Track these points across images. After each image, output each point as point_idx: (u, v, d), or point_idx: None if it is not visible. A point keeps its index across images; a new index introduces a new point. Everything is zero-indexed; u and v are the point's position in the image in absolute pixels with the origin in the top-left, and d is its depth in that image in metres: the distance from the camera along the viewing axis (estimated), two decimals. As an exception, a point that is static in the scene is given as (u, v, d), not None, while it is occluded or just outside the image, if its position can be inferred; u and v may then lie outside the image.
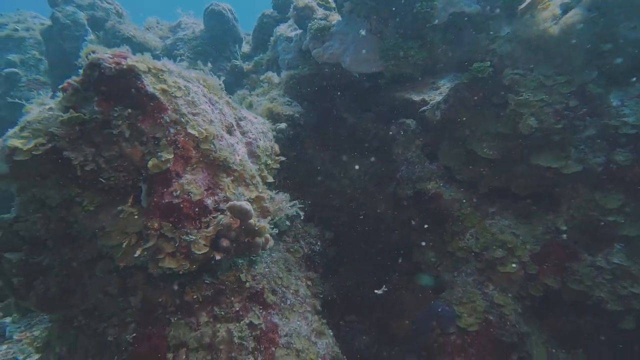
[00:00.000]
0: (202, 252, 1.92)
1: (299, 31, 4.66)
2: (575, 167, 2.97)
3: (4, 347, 4.89)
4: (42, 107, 1.95)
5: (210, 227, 1.95)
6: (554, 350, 3.22)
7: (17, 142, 1.86)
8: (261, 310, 2.69)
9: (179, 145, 1.97)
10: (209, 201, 2.00)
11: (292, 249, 3.35)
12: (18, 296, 2.35)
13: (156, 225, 1.91)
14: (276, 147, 2.85)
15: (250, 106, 3.86)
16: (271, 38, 5.13)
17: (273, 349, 2.60)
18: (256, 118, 2.83)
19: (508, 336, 2.95)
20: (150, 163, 1.90)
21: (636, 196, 2.87)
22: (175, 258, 1.92)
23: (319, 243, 3.96)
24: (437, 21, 3.41)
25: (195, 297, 2.47)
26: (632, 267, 2.81)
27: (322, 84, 4.46)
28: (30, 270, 2.34)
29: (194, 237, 1.91)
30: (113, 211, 2.03)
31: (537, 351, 3.04)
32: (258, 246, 2.12)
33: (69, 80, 1.94)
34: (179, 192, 1.92)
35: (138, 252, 2.01)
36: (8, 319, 5.36)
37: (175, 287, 2.37)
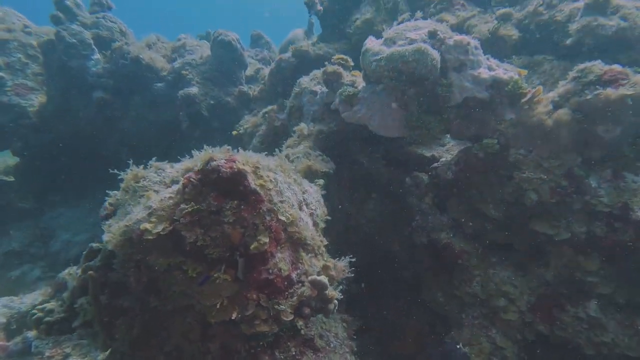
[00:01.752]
0: (289, 318, 2.55)
1: (324, 88, 5.37)
2: (564, 235, 3.82)
3: None
4: (168, 195, 2.55)
5: (295, 298, 2.59)
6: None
7: (148, 226, 2.45)
8: (312, 354, 3.32)
9: (272, 230, 2.61)
10: (294, 275, 2.64)
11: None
12: (108, 334, 2.89)
13: (255, 296, 2.53)
14: (325, 210, 3.52)
15: (287, 158, 4.50)
16: (295, 89, 5.82)
17: (323, 387, 3.24)
18: (311, 187, 3.48)
19: (509, 374, 3.73)
20: (252, 245, 2.52)
21: (610, 261, 3.74)
22: (267, 323, 2.55)
23: (343, 282, 4.63)
24: (453, 103, 4.21)
25: (261, 342, 3.09)
26: (602, 319, 3.67)
27: (347, 138, 5.21)
28: (112, 311, 2.90)
29: (284, 307, 2.54)
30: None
31: (531, 385, 3.84)
32: (329, 312, 2.77)
33: (190, 178, 2.54)
34: (274, 269, 2.55)
35: (234, 315, 2.62)
36: (31, 334, 5.76)
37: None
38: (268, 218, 2.60)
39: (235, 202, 2.56)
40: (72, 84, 8.89)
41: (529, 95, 3.99)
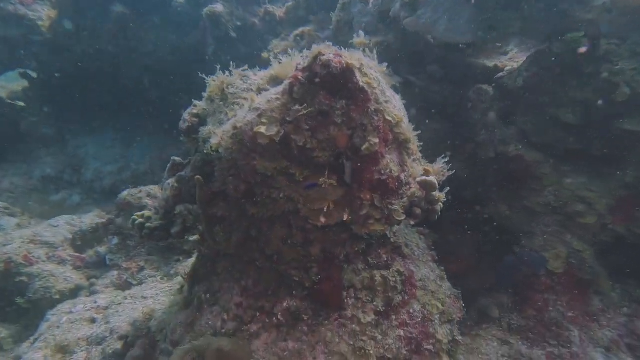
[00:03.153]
0: (401, 218, 2.64)
1: (378, -5, 5.04)
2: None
3: (115, 272, 5.96)
4: (274, 96, 2.52)
5: (405, 198, 2.66)
6: (611, 283, 4.30)
7: (262, 129, 2.45)
8: (402, 260, 3.51)
9: (380, 131, 2.60)
10: (402, 176, 2.68)
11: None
12: (214, 241, 3.09)
13: (368, 197, 2.60)
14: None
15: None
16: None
17: (414, 290, 3.46)
18: (394, 94, 3.42)
19: (587, 275, 3.95)
20: (364, 146, 2.53)
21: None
22: (380, 223, 2.65)
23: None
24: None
25: (356, 249, 3.26)
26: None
27: (408, 51, 4.99)
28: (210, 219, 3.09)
29: (396, 207, 2.62)
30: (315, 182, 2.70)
31: (605, 284, 4.08)
32: (436, 212, 2.87)
33: (297, 76, 2.48)
34: (385, 170, 2.58)
35: (345, 217, 2.72)
36: (102, 249, 6.34)
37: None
38: (376, 118, 2.58)
39: (344, 101, 2.52)
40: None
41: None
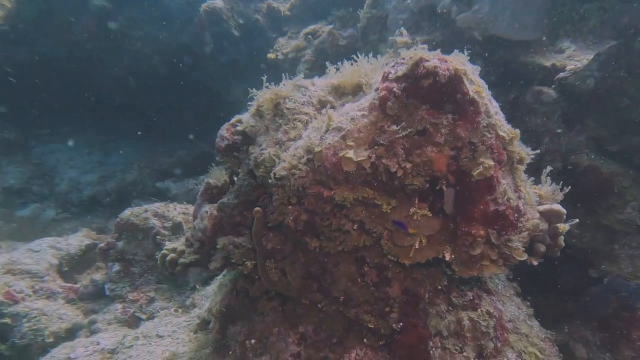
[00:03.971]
0: (523, 257, 2.15)
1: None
2: None
3: (119, 305, 5.23)
4: (359, 113, 2.02)
5: (525, 232, 2.17)
6: None
7: (349, 153, 1.96)
8: (488, 297, 3.01)
9: (494, 150, 2.11)
10: (521, 205, 2.19)
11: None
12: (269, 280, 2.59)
13: (482, 232, 2.10)
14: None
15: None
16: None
17: (506, 334, 2.96)
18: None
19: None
20: (476, 171, 2.04)
21: None
22: (497, 265, 2.15)
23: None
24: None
25: (438, 287, 2.77)
26: None
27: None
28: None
29: (517, 244, 2.12)
30: (404, 213, 2.20)
31: None
32: (559, 248, 2.37)
33: (390, 88, 1.98)
34: (502, 198, 2.09)
35: (448, 256, 2.22)
36: (98, 276, 5.64)
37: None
38: (488, 135, 2.09)
39: (450, 115, 2.03)
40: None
41: None
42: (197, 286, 5.88)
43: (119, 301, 5.40)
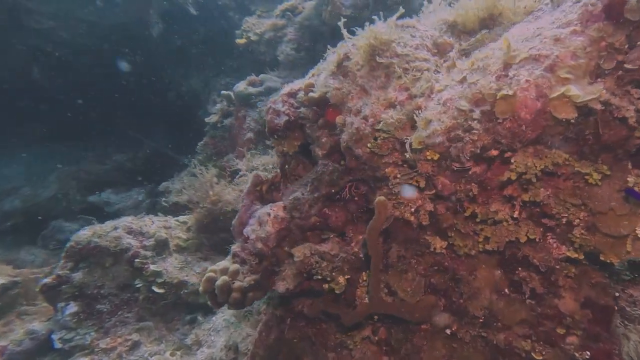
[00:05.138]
0: None
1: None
2: None
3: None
4: (565, 30, 1.36)
5: None
6: None
7: (573, 91, 1.29)
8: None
9: None
10: None
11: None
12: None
13: None
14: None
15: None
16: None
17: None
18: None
19: None
20: None
21: None
22: None
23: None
24: None
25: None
26: None
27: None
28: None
29: None
30: (616, 187, 1.61)
31: None
32: None
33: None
34: None
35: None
36: (37, 325, 4.25)
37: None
38: None
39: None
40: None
41: None
42: (199, 317, 4.73)
43: (83, 354, 4.08)
